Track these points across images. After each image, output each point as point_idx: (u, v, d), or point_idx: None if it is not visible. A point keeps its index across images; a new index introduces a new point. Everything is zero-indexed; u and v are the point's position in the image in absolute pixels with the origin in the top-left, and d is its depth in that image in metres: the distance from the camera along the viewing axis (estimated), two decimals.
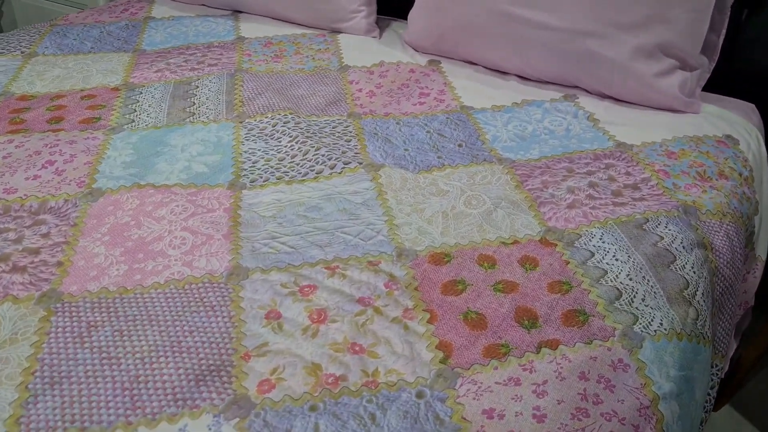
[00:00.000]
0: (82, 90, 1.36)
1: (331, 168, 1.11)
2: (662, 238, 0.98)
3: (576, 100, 1.37)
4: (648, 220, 1.01)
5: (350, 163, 1.12)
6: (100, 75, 1.43)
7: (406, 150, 1.19)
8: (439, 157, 1.17)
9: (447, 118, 1.30)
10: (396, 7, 1.79)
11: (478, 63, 1.50)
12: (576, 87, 1.41)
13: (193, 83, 1.39)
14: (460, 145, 1.21)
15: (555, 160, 1.17)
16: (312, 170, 1.11)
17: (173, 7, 1.82)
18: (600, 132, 1.26)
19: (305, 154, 1.15)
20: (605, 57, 1.31)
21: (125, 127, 1.23)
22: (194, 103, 1.31)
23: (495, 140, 1.23)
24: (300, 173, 1.10)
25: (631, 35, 1.29)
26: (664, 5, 1.26)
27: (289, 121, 1.24)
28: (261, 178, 1.09)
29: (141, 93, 1.35)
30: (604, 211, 1.03)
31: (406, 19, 1.73)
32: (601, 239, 0.97)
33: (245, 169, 1.11)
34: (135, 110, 1.28)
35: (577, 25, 1.31)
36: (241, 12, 1.77)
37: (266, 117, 1.26)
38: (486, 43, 1.44)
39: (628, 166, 1.15)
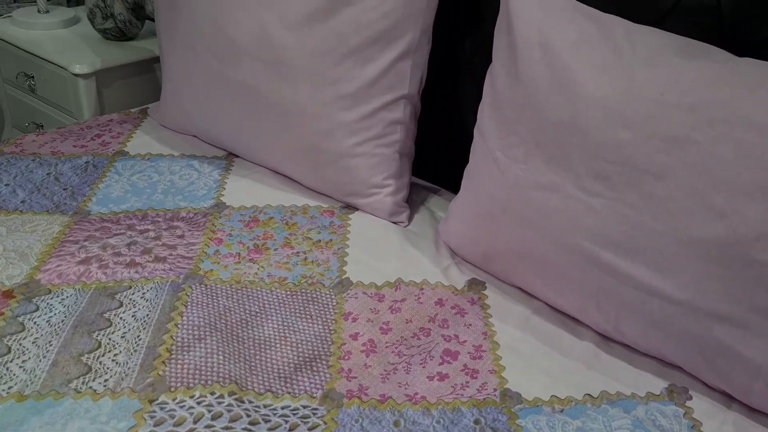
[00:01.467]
0: None
1: None
2: None
3: (686, 403, 0.87)
4: None
5: None
6: (1, 260, 1.02)
7: None
8: None
9: (476, 422, 0.82)
10: (443, 171, 1.33)
11: (540, 299, 1.02)
12: (685, 371, 0.91)
13: (118, 296, 0.96)
14: None
15: None
16: None
17: (158, 138, 1.42)
18: None
19: None
20: (744, 356, 0.81)
21: None
22: (99, 344, 0.87)
23: None
24: None
25: None
26: None
27: (221, 413, 0.79)
28: None
29: (37, 309, 0.93)
30: None
31: (453, 191, 1.28)
32: None
33: None
34: (9, 349, 0.86)
35: (703, 302, 0.82)
36: (237, 157, 1.36)
37: (192, 395, 0.81)
38: (552, 284, 0.97)
39: None
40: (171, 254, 1.06)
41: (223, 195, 1.23)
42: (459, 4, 1.20)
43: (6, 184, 1.22)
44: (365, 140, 1.16)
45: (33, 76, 1.72)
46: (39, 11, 1.80)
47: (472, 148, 1.06)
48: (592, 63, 0.88)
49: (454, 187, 1.28)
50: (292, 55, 1.14)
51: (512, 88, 0.95)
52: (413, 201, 1.26)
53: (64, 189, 1.23)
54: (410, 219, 1.22)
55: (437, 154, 1.33)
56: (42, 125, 1.78)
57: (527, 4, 0.96)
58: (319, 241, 1.12)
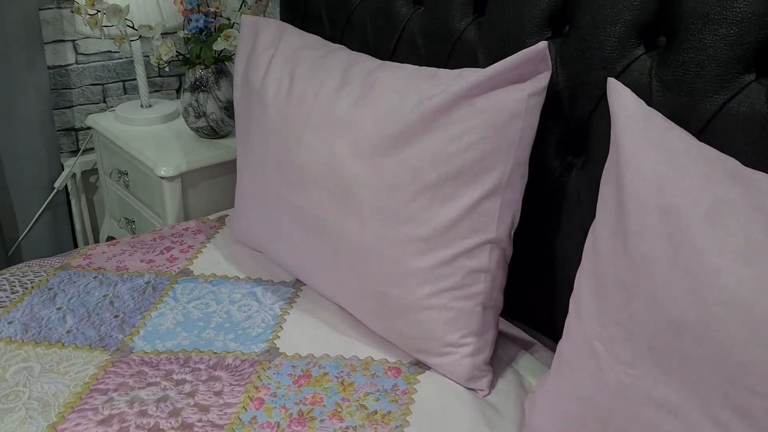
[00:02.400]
0: None
1: None
2: None
3: None
4: None
5: None
6: (21, 413, 0.92)
7: None
8: None
9: None
10: (539, 314, 1.11)
11: None
12: None
13: None
14: None
15: None
16: None
17: (228, 254, 1.31)
18: None
19: None
20: None
21: None
22: None
23: None
24: None
25: None
26: None
27: None
28: None
29: None
30: None
31: (550, 338, 1.07)
32: None
33: None
34: None
35: None
36: (305, 285, 1.21)
37: None
38: None
39: None
40: (200, 420, 0.91)
41: (279, 337, 1.08)
42: (565, 128, 1.00)
43: (58, 308, 1.14)
44: (441, 291, 0.97)
45: (127, 173, 1.70)
46: (142, 105, 1.80)
47: (567, 321, 0.83)
48: (733, 244, 0.64)
49: (552, 333, 1.07)
50: (361, 187, 0.98)
51: (619, 262, 0.72)
52: (498, 359, 1.04)
53: (116, 316, 1.13)
54: (492, 385, 1.00)
55: (533, 294, 1.10)
56: (134, 221, 1.74)
57: (646, 148, 0.74)
58: (376, 412, 0.93)
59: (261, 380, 0.99)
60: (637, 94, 0.87)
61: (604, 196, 0.78)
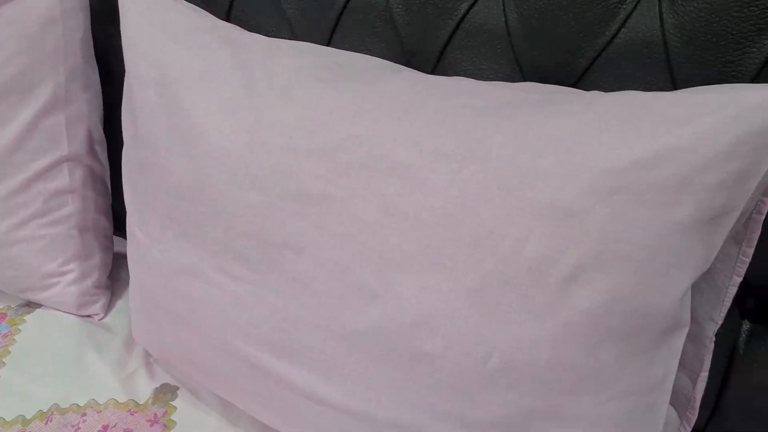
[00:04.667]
0: None
1: None
2: None
3: None
4: None
5: None
6: None
7: None
8: None
9: None
10: None
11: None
12: None
13: None
14: None
15: None
16: None
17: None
18: None
19: None
20: None
21: None
22: None
23: None
24: None
25: None
26: None
27: None
28: None
29: None
30: None
31: None
32: None
33: None
34: None
35: (380, 411, 0.61)
36: None
37: None
38: (233, 395, 0.74)
39: None
40: None
41: None
42: None
43: None
44: (23, 221, 0.90)
45: None
46: None
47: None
48: (217, 102, 0.66)
49: None
50: None
51: (134, 143, 0.72)
52: (121, 280, 1.01)
53: None
54: (110, 307, 0.97)
55: None
56: None
57: (145, 27, 0.73)
58: None
59: None
60: None
61: (125, 84, 0.76)
